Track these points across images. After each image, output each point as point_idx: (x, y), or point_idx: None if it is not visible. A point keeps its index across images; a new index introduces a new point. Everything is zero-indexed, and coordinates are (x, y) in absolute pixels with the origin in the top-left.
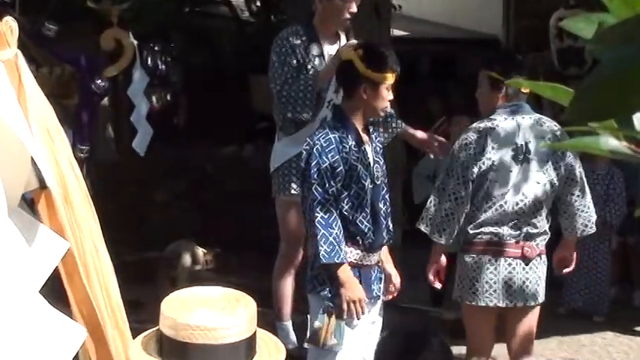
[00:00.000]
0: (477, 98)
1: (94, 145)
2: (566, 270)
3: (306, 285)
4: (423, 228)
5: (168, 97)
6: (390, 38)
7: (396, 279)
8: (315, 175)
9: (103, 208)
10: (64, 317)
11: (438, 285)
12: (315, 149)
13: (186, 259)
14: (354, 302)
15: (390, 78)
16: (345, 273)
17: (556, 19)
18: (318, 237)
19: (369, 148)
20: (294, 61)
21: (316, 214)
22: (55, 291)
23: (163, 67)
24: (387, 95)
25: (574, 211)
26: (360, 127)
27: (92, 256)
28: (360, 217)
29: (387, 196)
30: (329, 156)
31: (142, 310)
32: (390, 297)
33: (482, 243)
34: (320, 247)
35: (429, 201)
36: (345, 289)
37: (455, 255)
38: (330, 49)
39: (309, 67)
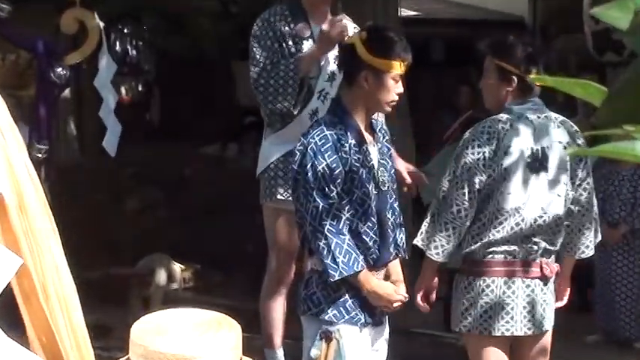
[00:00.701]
0: (482, 89)
1: (54, 144)
2: (557, 304)
3: (299, 306)
4: (419, 243)
5: (140, 88)
6: (399, 19)
7: (402, 290)
8: (312, 179)
9: (64, 217)
10: (18, 347)
11: (426, 308)
12: (309, 149)
13: (161, 277)
14: (393, 302)
15: (397, 66)
16: (369, 279)
17: None
18: (332, 247)
19: (373, 149)
20: (276, 45)
21: (324, 222)
22: (8, 315)
23: (134, 52)
24: (393, 87)
25: (578, 227)
26: (362, 124)
27: (52, 275)
28: (365, 228)
29: (395, 205)
30: (325, 156)
31: (109, 336)
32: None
33: (496, 263)
34: (337, 259)
35: (428, 212)
36: (376, 296)
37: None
38: None
39: (293, 50)
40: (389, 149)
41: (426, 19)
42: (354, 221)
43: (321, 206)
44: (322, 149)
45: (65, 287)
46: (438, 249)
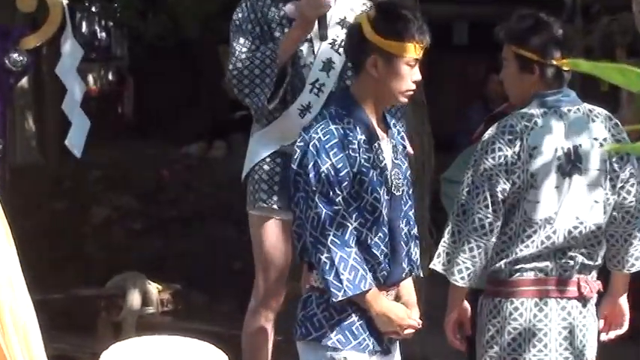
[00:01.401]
0: (503, 81)
1: (9, 142)
2: (616, 333)
3: (295, 330)
4: (439, 268)
5: (111, 77)
6: None
7: (415, 314)
8: (314, 181)
9: (21, 228)
10: None
11: (463, 346)
12: (311, 146)
13: (134, 299)
14: (405, 328)
15: (412, 50)
16: (379, 300)
17: None
18: (336, 262)
19: (386, 146)
20: (257, 29)
21: (327, 232)
22: None
23: (103, 35)
24: (408, 73)
25: (624, 236)
26: (373, 118)
27: (7, 297)
28: (376, 239)
29: (410, 213)
30: (330, 154)
31: None
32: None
33: (525, 282)
34: (341, 276)
35: (446, 230)
36: (386, 319)
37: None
38: None
39: (277, 35)
40: (405, 147)
41: None
42: (363, 232)
43: (323, 213)
44: (326, 146)
45: (23, 310)
46: (463, 273)
